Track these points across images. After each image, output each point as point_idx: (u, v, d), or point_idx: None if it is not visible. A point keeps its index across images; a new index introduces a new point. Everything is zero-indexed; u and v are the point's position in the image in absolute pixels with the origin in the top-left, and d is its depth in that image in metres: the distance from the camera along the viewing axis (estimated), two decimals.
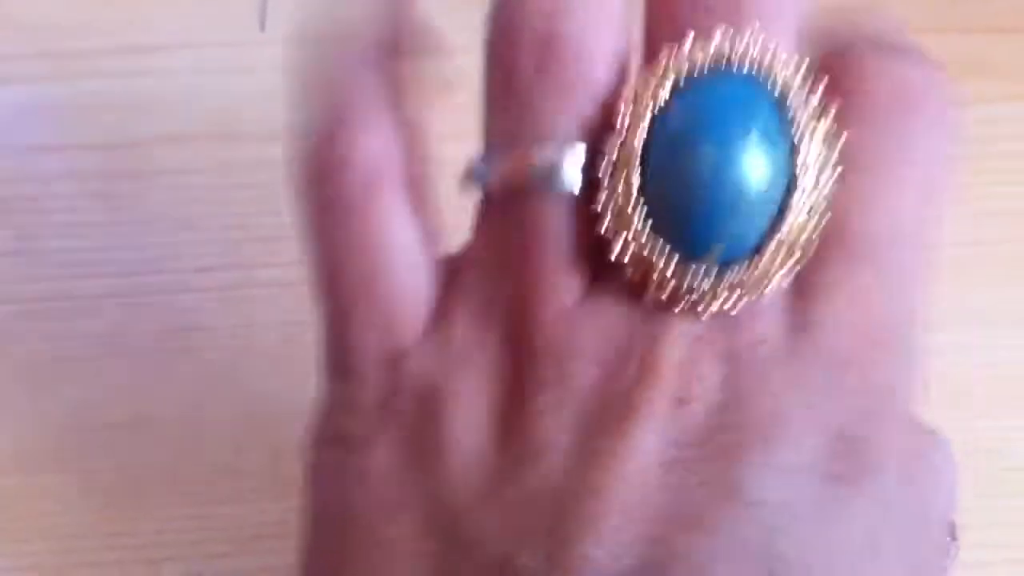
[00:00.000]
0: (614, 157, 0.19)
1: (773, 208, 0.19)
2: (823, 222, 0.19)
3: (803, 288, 0.20)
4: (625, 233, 0.19)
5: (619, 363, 0.20)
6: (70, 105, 0.34)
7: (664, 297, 0.19)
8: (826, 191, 0.19)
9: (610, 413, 0.19)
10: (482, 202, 0.21)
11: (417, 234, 0.21)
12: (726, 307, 0.19)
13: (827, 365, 0.19)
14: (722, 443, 0.19)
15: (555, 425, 0.19)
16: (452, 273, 0.21)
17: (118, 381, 0.32)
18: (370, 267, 0.21)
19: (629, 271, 0.20)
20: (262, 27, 0.35)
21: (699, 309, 0.19)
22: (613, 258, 0.20)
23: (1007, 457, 0.31)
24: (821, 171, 0.19)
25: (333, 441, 0.21)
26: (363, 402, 0.21)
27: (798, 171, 0.19)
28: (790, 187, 0.19)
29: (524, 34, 0.20)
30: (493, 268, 0.21)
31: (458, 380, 0.20)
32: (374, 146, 0.20)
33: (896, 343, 0.20)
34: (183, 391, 0.31)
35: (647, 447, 0.19)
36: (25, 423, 0.31)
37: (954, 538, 0.21)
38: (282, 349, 0.31)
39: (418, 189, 0.21)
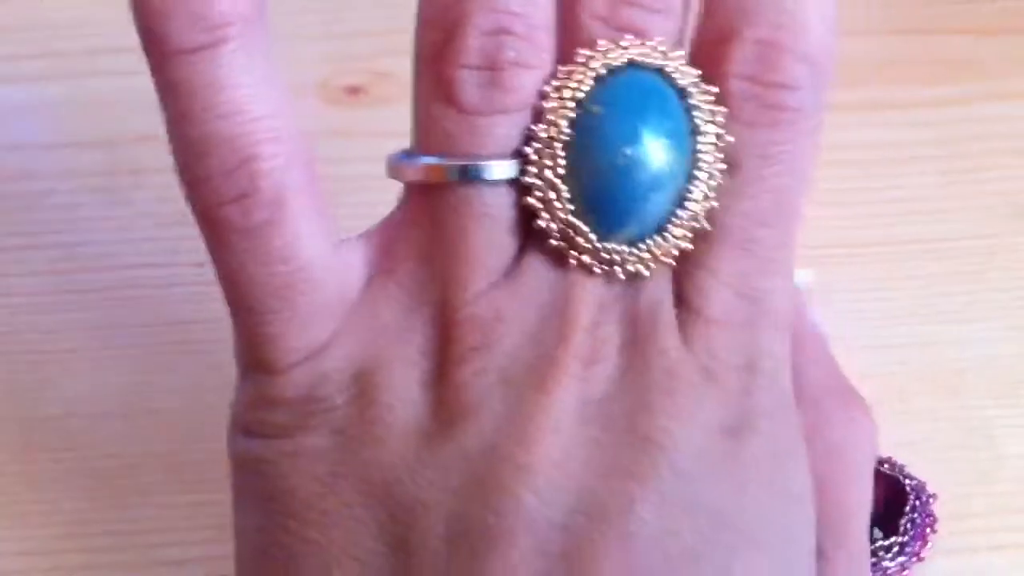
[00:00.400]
0: (541, 143, 0.21)
1: (678, 190, 0.21)
2: (714, 204, 0.22)
3: (689, 266, 0.22)
4: (550, 209, 0.21)
5: (538, 327, 0.21)
6: (69, 103, 0.35)
7: (582, 264, 0.21)
8: (717, 178, 0.22)
9: (532, 372, 0.21)
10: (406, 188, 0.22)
11: (324, 231, 0.21)
12: (637, 273, 0.21)
13: (714, 330, 0.22)
14: (631, 398, 0.21)
15: (484, 387, 0.21)
16: (377, 249, 0.22)
17: (117, 372, 0.32)
18: (283, 278, 0.21)
19: (552, 243, 0.21)
20: None
21: (613, 276, 0.21)
22: (538, 227, 0.21)
23: (1001, 445, 0.32)
24: (713, 160, 0.21)
25: (258, 433, 0.22)
26: (285, 395, 0.21)
27: (699, 159, 0.21)
28: (692, 172, 0.21)
29: (465, 46, 0.21)
30: (420, 249, 0.22)
31: (388, 359, 0.21)
32: (277, 165, 0.21)
33: (769, 315, 0.22)
34: (180, 382, 0.32)
35: (566, 403, 0.21)
36: (25, 413, 0.32)
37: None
38: None
39: (315, 182, 0.21)
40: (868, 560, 0.24)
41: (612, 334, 0.21)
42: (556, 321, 0.21)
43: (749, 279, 0.22)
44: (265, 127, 0.21)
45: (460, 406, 0.21)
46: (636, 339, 0.21)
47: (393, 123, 0.33)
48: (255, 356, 0.22)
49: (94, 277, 0.33)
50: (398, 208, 0.22)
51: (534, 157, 0.21)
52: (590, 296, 0.21)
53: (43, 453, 0.31)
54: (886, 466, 0.30)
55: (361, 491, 0.21)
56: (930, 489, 0.30)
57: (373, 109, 0.36)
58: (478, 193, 0.21)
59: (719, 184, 0.22)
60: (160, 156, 0.34)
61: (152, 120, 0.34)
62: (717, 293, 0.22)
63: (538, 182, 0.21)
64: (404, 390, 0.21)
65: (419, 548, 0.20)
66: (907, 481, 0.30)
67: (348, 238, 0.22)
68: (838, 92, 0.35)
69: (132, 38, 0.35)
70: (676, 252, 0.22)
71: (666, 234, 0.21)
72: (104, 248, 0.33)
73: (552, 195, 0.21)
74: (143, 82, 0.35)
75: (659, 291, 0.22)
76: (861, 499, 0.24)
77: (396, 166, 0.22)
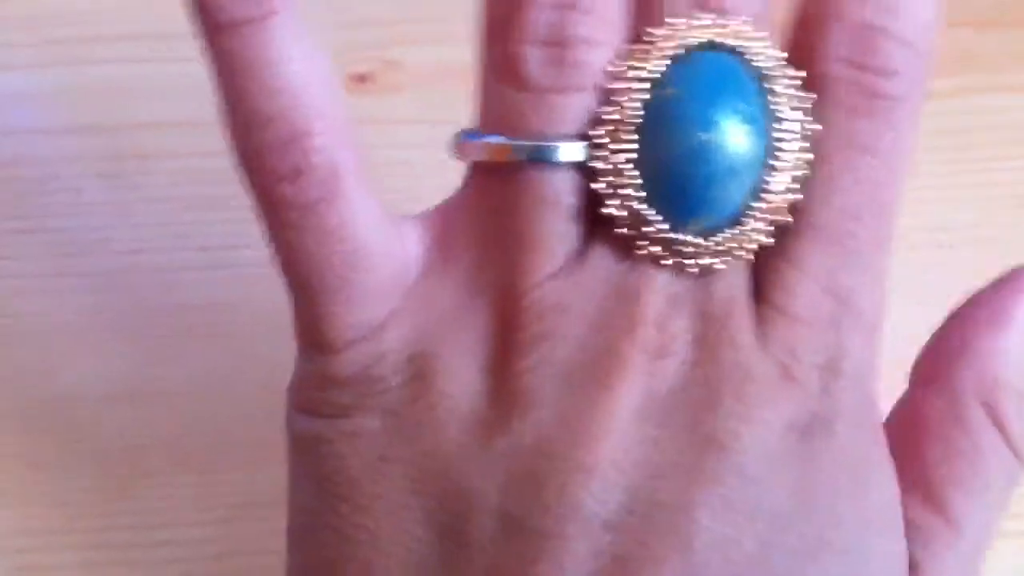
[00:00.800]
0: (611, 125, 0.20)
1: (755, 179, 0.20)
2: (797, 196, 0.20)
3: (770, 260, 0.21)
4: (619, 195, 0.20)
5: (603, 318, 0.20)
6: (67, 90, 0.35)
7: (651, 255, 0.20)
8: (801, 168, 0.20)
9: (595, 366, 0.20)
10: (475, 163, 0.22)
11: (378, 211, 0.21)
12: (710, 266, 0.21)
13: (795, 328, 0.21)
14: (697, 396, 0.20)
15: (544, 379, 0.20)
16: (439, 229, 0.22)
17: (120, 357, 0.32)
18: (340, 256, 0.21)
19: (621, 230, 0.20)
20: None
21: (684, 268, 0.20)
22: (607, 213, 0.20)
23: None
24: (797, 149, 0.20)
25: (314, 411, 0.22)
26: (342, 374, 0.21)
27: (779, 146, 0.20)
28: (770, 162, 0.20)
29: (529, 20, 0.20)
30: (482, 233, 0.21)
31: (447, 343, 0.21)
32: (328, 143, 0.20)
33: (855, 315, 0.21)
34: (185, 367, 0.32)
35: (629, 400, 0.20)
36: (29, 395, 0.32)
37: None
38: (284, 324, 0.31)
39: (362, 162, 0.21)
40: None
41: (682, 329, 0.20)
42: (622, 313, 0.20)
43: (836, 275, 0.21)
44: (317, 103, 0.20)
45: (519, 397, 0.20)
46: (707, 334, 0.20)
47: (401, 111, 0.34)
48: (312, 335, 0.21)
49: (96, 262, 0.33)
50: (460, 190, 0.22)
51: (603, 140, 0.20)
52: (659, 288, 0.21)
53: (46, 436, 0.31)
54: None
55: (412, 478, 0.20)
56: None
57: (381, 97, 0.36)
58: (544, 176, 0.20)
59: (804, 175, 0.20)
60: (161, 142, 0.35)
61: (151, 107, 0.35)
62: (801, 288, 0.21)
63: (606, 166, 0.20)
64: (461, 376, 0.21)
65: (468, 540, 0.20)
66: None
67: (405, 218, 0.22)
68: None
69: (128, 26, 0.35)
70: (754, 246, 0.21)
71: (743, 227, 0.20)
72: (106, 233, 0.33)
73: (621, 180, 0.20)
74: (140, 69, 0.36)
75: (734, 286, 0.21)
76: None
77: (459, 144, 0.21)
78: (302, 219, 0.21)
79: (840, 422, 0.20)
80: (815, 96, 0.20)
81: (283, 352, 0.23)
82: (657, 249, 0.20)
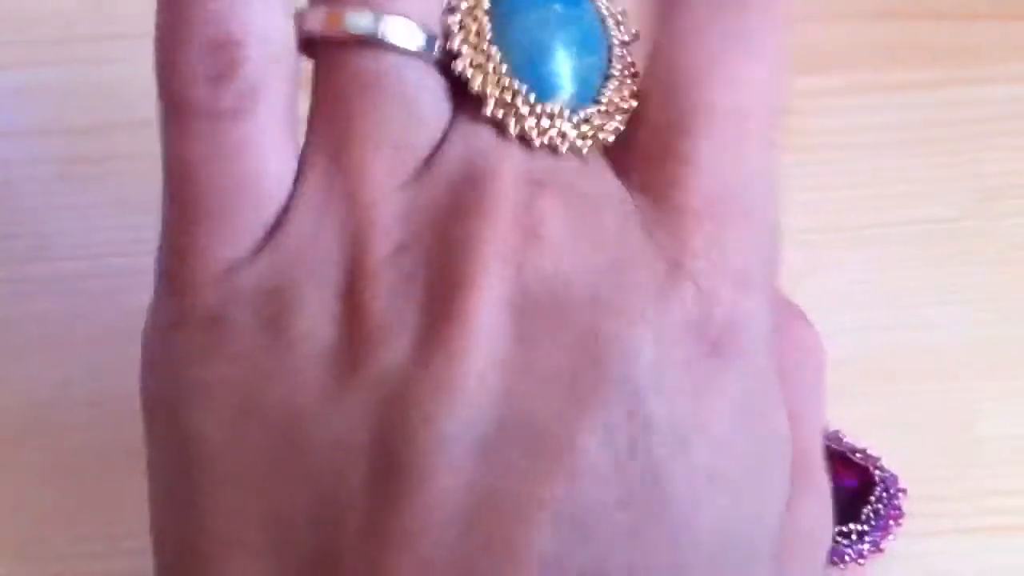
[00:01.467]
0: (464, 10, 0.20)
1: (604, 60, 0.20)
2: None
3: (648, 154, 0.19)
4: (484, 71, 0.19)
5: (460, 213, 0.18)
6: (33, 91, 0.34)
7: (521, 133, 0.19)
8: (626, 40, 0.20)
9: (451, 267, 0.18)
10: (317, 64, 0.20)
11: (292, 151, 0.20)
12: (578, 148, 0.19)
13: (679, 226, 0.19)
14: (576, 293, 0.18)
15: (399, 296, 0.18)
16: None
17: (82, 362, 0.32)
18: (234, 178, 0.19)
19: (488, 112, 0.19)
20: None
21: (555, 148, 0.19)
22: (475, 92, 0.19)
23: (977, 428, 0.31)
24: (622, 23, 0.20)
25: (167, 364, 0.20)
26: (196, 314, 0.19)
27: (619, 25, 0.20)
28: (611, 44, 0.20)
29: None
30: (327, 137, 0.19)
31: (302, 275, 0.19)
32: (262, 61, 0.19)
33: (746, 210, 0.19)
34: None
35: (491, 293, 0.18)
36: None
37: None
38: None
39: (294, 102, 0.20)
40: (831, 504, 0.21)
41: (551, 208, 0.18)
42: (479, 199, 0.18)
43: (728, 170, 0.19)
44: (261, 24, 0.19)
45: (372, 325, 0.18)
46: (583, 218, 0.18)
47: None
48: (173, 267, 0.20)
49: (60, 266, 0.33)
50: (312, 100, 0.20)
51: (459, 24, 0.19)
52: (520, 165, 0.19)
53: (7, 445, 0.31)
54: (859, 455, 0.30)
55: (273, 435, 0.18)
56: (902, 484, 0.30)
57: None
58: (390, 61, 0.19)
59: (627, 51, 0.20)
60: (125, 144, 0.34)
61: (116, 108, 0.34)
62: (693, 181, 0.19)
63: (466, 48, 0.19)
64: (316, 313, 0.18)
65: (340, 497, 0.18)
66: (878, 472, 0.30)
67: None
68: (822, 76, 0.35)
69: (92, 27, 0.34)
70: (615, 127, 0.20)
71: (601, 106, 0.20)
72: (71, 238, 0.33)
73: (482, 59, 0.19)
74: (109, 71, 0.35)
75: (607, 172, 0.19)
76: (818, 432, 0.21)
77: (298, 15, 0.20)
78: (205, 128, 0.19)
79: (746, 337, 0.18)
80: None
81: None
82: (530, 125, 0.19)
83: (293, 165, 0.19)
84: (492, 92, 0.19)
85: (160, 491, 0.20)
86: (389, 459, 0.17)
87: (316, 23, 0.19)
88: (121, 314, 0.32)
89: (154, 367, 0.20)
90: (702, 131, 0.19)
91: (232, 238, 0.19)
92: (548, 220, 0.18)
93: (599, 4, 0.21)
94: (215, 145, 0.19)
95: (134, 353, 0.31)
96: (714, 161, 0.19)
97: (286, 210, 0.19)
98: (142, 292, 0.32)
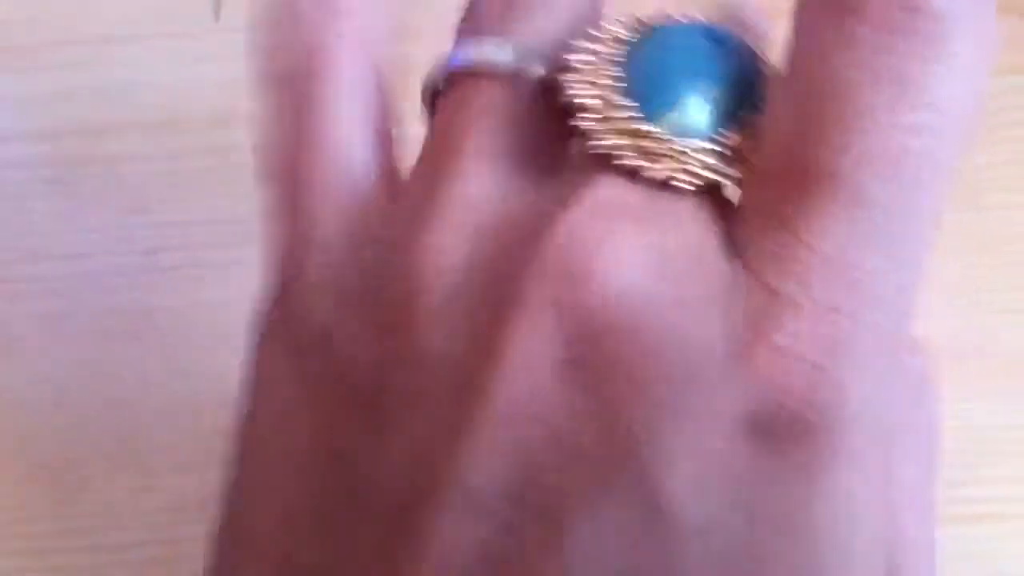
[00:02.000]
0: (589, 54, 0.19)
1: (730, 105, 0.18)
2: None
3: (755, 219, 0.17)
4: (594, 84, 0.18)
5: (516, 243, 0.17)
6: (19, 96, 0.34)
7: (614, 146, 0.18)
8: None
9: (501, 299, 0.16)
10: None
11: (369, 132, 0.19)
12: (670, 175, 0.17)
13: (774, 304, 0.16)
14: (626, 359, 0.16)
15: (449, 325, 0.17)
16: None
17: (68, 362, 0.32)
18: (309, 156, 0.19)
19: (584, 122, 0.18)
20: (216, 17, 0.35)
21: (641, 171, 0.17)
22: (579, 102, 0.18)
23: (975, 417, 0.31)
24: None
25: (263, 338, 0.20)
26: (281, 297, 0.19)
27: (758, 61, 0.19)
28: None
29: None
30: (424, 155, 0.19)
31: (351, 305, 0.18)
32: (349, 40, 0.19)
33: (872, 300, 0.16)
34: (131, 371, 0.32)
35: (533, 337, 0.16)
36: None
37: None
38: (229, 328, 0.31)
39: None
40: None
41: (631, 245, 0.16)
42: (538, 228, 0.17)
43: (848, 249, 0.16)
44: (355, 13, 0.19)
45: (416, 342, 0.17)
46: (663, 267, 0.16)
47: None
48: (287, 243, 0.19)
49: (39, 268, 0.33)
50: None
51: (583, 51, 0.18)
52: (619, 202, 0.17)
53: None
54: None
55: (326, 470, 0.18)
56: None
57: None
58: (493, 86, 0.18)
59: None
60: (110, 146, 0.34)
61: (102, 111, 0.35)
62: (797, 254, 0.16)
63: (585, 77, 0.18)
64: (361, 346, 0.18)
65: (355, 551, 0.17)
66: None
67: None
68: None
69: (73, 32, 0.35)
70: (715, 168, 0.17)
71: (709, 144, 0.17)
72: (50, 239, 0.33)
73: (597, 74, 0.18)
74: (92, 74, 0.35)
75: (703, 219, 0.17)
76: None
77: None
78: (279, 95, 0.19)
79: (832, 438, 0.16)
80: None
81: (227, 346, 0.23)
82: (622, 140, 0.17)
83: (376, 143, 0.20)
84: (594, 106, 0.18)
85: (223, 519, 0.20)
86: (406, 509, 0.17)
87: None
88: (105, 313, 0.32)
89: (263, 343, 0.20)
90: (816, 191, 0.16)
91: (312, 223, 0.19)
92: (624, 263, 0.16)
93: (742, 40, 0.19)
94: (288, 113, 0.19)
95: (117, 352, 0.32)
96: (827, 232, 0.16)
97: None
98: (121, 293, 0.32)
